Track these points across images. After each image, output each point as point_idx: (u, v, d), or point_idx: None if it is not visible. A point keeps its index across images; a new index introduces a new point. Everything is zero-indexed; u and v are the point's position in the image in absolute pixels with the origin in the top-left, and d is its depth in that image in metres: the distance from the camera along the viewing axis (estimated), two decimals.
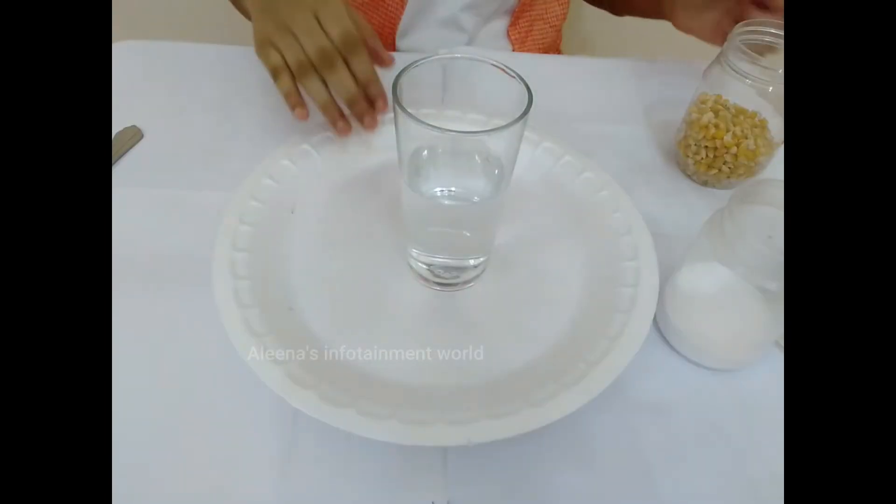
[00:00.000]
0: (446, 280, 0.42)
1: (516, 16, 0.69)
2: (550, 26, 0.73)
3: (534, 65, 0.65)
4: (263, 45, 0.46)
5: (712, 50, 0.69)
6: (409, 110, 0.32)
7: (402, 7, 0.65)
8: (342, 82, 0.45)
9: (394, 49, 0.70)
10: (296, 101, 0.46)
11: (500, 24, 0.70)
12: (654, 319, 0.40)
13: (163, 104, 0.57)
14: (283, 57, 0.45)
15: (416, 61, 0.35)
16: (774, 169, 0.52)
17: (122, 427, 0.34)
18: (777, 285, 0.34)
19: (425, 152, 0.38)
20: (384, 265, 0.43)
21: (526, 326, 0.40)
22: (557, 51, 0.80)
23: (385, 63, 0.48)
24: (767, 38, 0.48)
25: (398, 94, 0.33)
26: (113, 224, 0.44)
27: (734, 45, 0.47)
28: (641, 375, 0.39)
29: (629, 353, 0.36)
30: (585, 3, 0.81)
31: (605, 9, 0.77)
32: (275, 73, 0.46)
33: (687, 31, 0.59)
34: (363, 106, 0.46)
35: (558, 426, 0.33)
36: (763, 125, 0.48)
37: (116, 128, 0.53)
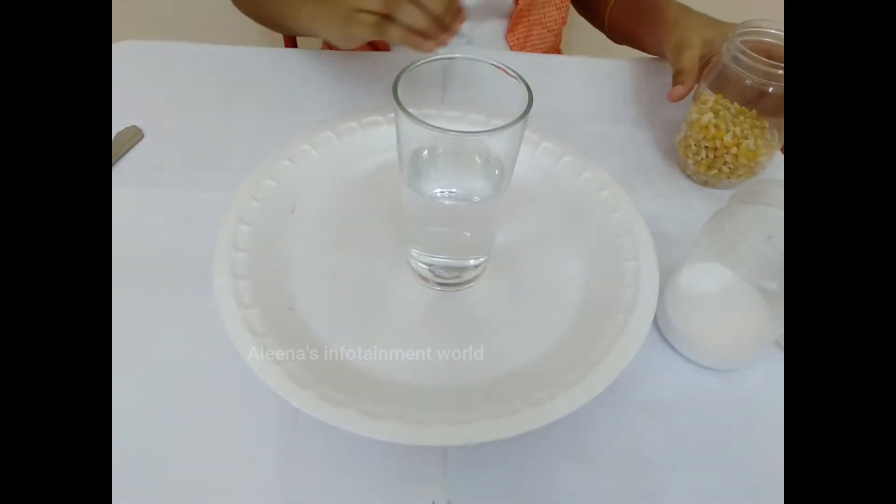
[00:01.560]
0: (446, 280, 0.42)
1: (514, 21, 0.69)
2: (549, 31, 0.72)
3: (534, 65, 0.65)
4: (347, 23, 0.46)
5: None
6: (409, 110, 0.32)
7: None
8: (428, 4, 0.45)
9: (387, 48, 0.70)
10: (419, 41, 0.45)
11: (498, 29, 0.70)
12: (654, 319, 0.40)
13: (163, 104, 0.57)
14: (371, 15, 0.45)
15: (416, 61, 0.35)
16: (774, 169, 0.52)
17: (122, 427, 0.34)
18: (777, 285, 0.34)
19: (425, 152, 0.38)
20: (384, 265, 0.43)
21: (526, 326, 0.40)
22: (557, 53, 0.80)
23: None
24: (767, 38, 0.48)
25: (398, 94, 0.33)
26: (113, 224, 0.44)
27: (734, 46, 0.47)
28: (641, 375, 0.39)
29: (629, 353, 0.36)
30: None
31: (602, 31, 0.76)
32: (380, 31, 0.46)
33: None
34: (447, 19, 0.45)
35: (558, 426, 0.33)
36: (763, 125, 0.48)
37: (116, 128, 0.53)
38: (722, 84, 0.49)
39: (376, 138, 0.49)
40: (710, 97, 0.50)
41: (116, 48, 0.62)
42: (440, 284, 0.42)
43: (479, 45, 0.70)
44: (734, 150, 0.49)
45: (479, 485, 0.35)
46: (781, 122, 0.47)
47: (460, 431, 0.32)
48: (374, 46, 0.70)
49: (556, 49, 0.78)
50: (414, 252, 0.41)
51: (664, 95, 0.62)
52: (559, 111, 0.58)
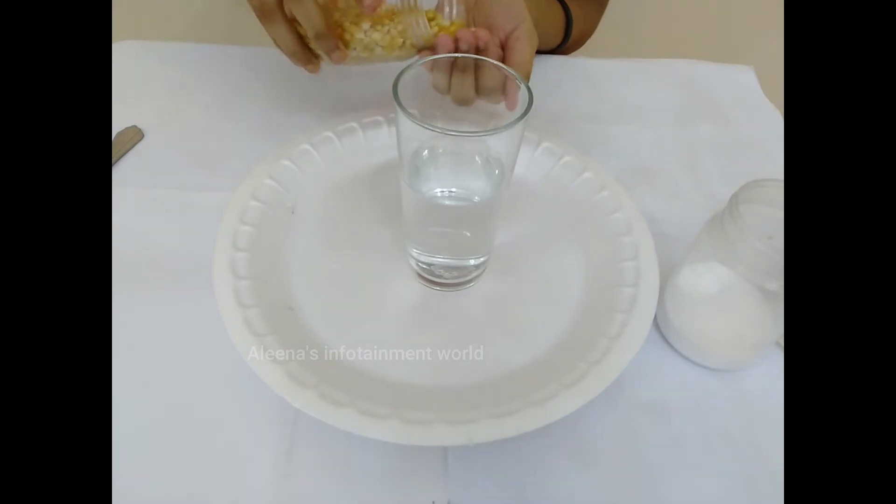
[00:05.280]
0: (446, 280, 0.42)
1: None
2: None
3: (534, 65, 0.65)
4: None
5: (710, 51, 0.70)
6: (409, 110, 0.32)
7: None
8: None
9: None
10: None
11: None
12: (654, 319, 0.40)
13: (163, 104, 0.57)
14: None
15: (416, 61, 0.35)
16: (774, 169, 0.52)
17: (122, 427, 0.34)
18: (777, 285, 0.34)
19: (425, 152, 0.38)
20: (384, 265, 0.43)
21: (526, 326, 0.40)
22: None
23: None
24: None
25: (398, 94, 0.33)
26: (113, 224, 0.44)
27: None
28: (641, 375, 0.39)
29: (629, 353, 0.36)
30: None
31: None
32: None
33: None
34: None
35: (558, 426, 0.33)
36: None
37: (116, 128, 0.53)
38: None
39: (376, 138, 0.49)
40: None
41: (116, 48, 0.62)
42: (440, 284, 0.42)
43: None
44: None
45: (479, 485, 0.35)
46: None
47: (460, 431, 0.32)
48: None
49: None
50: (414, 252, 0.41)
51: (664, 95, 0.62)
52: (559, 111, 0.58)
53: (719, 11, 1.11)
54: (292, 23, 0.42)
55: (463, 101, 0.41)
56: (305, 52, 0.43)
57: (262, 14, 0.41)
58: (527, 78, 0.43)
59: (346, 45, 0.42)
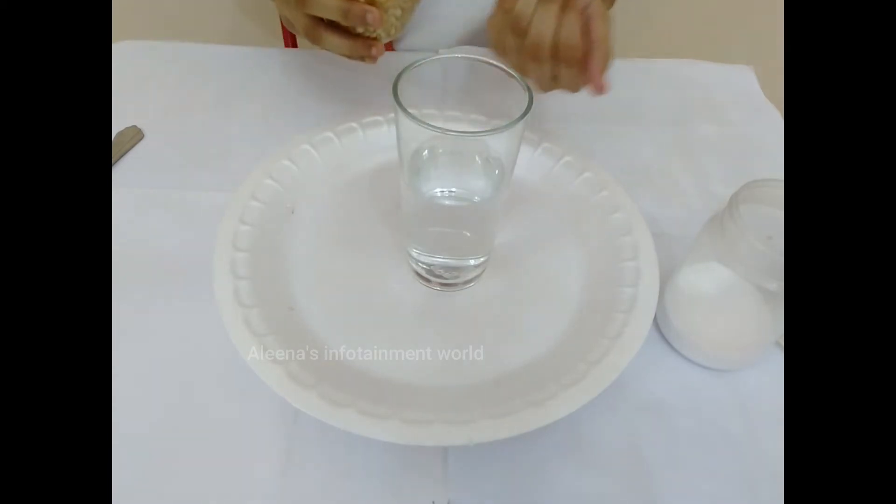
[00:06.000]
0: (446, 280, 0.42)
1: None
2: None
3: None
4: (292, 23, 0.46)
5: (710, 51, 0.70)
6: (409, 110, 0.32)
7: None
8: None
9: (391, 48, 0.70)
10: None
11: None
12: (654, 319, 0.40)
13: (163, 104, 0.57)
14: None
15: (416, 61, 0.35)
16: (774, 169, 0.52)
17: (122, 427, 0.34)
18: (777, 285, 0.35)
19: (425, 152, 0.38)
20: (384, 265, 0.43)
21: (526, 326, 0.40)
22: None
23: None
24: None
25: (398, 94, 0.33)
26: (113, 224, 0.44)
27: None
28: (641, 375, 0.39)
29: (629, 353, 0.36)
30: None
31: None
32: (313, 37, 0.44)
33: None
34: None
35: (558, 426, 0.33)
36: None
37: (116, 128, 0.53)
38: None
39: (376, 138, 0.49)
40: None
41: (116, 48, 0.62)
42: (440, 284, 0.42)
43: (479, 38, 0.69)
44: None
45: (479, 485, 0.35)
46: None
47: (460, 431, 0.32)
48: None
49: None
50: (414, 252, 0.41)
51: (664, 95, 0.62)
52: (559, 111, 0.58)
53: (719, 11, 1.11)
54: (334, 28, 0.43)
55: (540, 39, 0.40)
56: (359, 42, 0.44)
57: (311, 38, 0.44)
58: (607, 56, 0.42)
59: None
